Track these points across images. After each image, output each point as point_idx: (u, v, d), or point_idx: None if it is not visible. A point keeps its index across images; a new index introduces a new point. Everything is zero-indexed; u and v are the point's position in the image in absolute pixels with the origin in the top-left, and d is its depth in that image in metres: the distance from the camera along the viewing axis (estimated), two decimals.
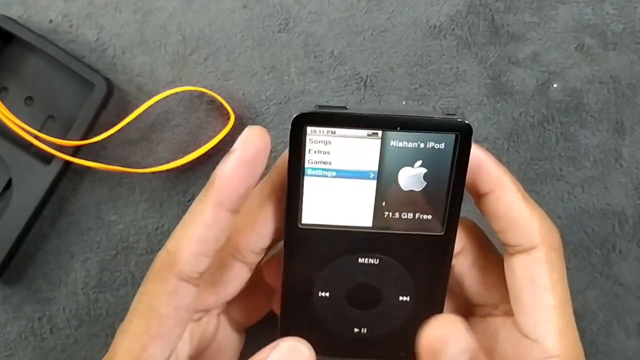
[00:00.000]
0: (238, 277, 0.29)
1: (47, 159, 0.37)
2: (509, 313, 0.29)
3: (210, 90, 0.38)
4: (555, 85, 0.40)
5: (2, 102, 0.37)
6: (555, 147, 0.40)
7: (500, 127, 0.40)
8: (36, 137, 0.37)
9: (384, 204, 0.27)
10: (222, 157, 0.38)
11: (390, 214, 0.28)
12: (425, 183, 0.27)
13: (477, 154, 0.27)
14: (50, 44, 0.37)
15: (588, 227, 0.40)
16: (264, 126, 0.39)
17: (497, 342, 0.29)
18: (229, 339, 0.32)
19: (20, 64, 0.38)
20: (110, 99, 0.38)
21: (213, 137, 0.38)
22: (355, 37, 0.39)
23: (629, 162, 0.40)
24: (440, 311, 0.29)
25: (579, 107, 0.40)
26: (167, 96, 0.38)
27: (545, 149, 0.40)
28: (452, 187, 0.27)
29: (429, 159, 0.27)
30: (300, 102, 0.39)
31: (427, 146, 0.26)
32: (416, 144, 0.26)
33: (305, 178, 0.27)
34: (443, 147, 0.26)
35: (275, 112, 0.39)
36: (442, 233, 0.28)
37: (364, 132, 0.26)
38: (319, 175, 0.27)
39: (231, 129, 0.38)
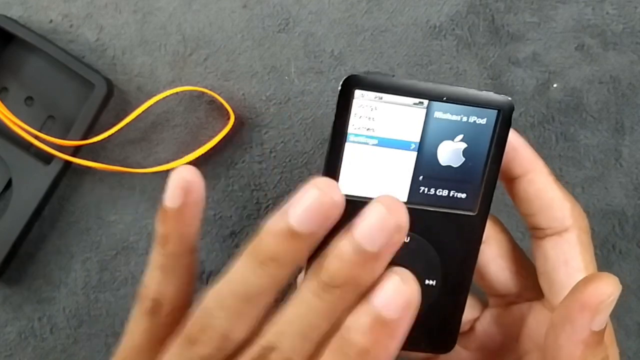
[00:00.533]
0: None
1: (47, 159, 0.37)
2: (534, 299, 0.29)
3: (210, 90, 0.38)
4: (555, 85, 0.40)
5: (2, 102, 0.37)
6: (555, 147, 0.40)
7: None
8: (36, 137, 0.37)
9: (421, 178, 0.27)
10: (222, 157, 0.38)
11: (426, 189, 0.27)
12: (464, 159, 0.27)
13: (511, 137, 0.28)
14: (51, 44, 0.37)
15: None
16: (264, 126, 0.39)
17: (525, 326, 0.30)
18: None
19: (20, 64, 0.38)
20: (110, 99, 0.38)
21: (213, 137, 0.38)
22: (355, 37, 0.39)
23: (629, 162, 0.40)
24: (466, 297, 0.29)
25: (579, 107, 0.40)
26: (167, 96, 0.38)
27: (545, 149, 0.40)
28: (489, 165, 0.27)
29: (470, 135, 0.27)
30: (300, 102, 0.39)
31: (469, 120, 0.26)
32: (459, 117, 0.26)
33: (347, 144, 0.26)
34: (485, 122, 0.27)
35: (275, 112, 0.39)
36: (475, 213, 0.28)
37: (410, 101, 0.26)
38: (361, 142, 0.26)
39: (231, 129, 0.38)
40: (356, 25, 0.39)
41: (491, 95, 0.26)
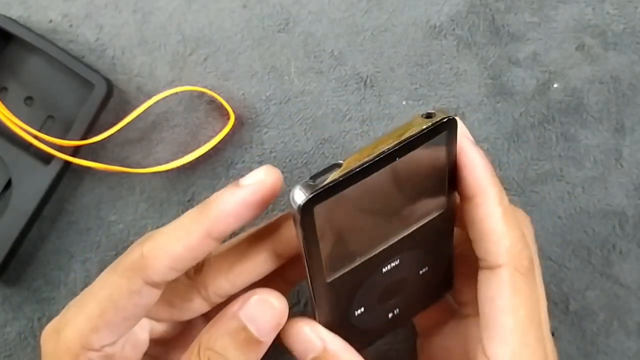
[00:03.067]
0: (196, 310, 0.29)
1: (47, 159, 0.37)
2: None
3: (210, 90, 0.38)
4: (555, 85, 0.40)
5: (2, 102, 0.37)
6: (556, 147, 0.40)
7: (501, 127, 0.39)
8: (36, 137, 0.37)
9: (397, 217, 0.27)
10: (222, 157, 0.38)
11: (403, 220, 0.27)
12: (423, 180, 0.27)
13: (471, 154, 0.26)
14: (50, 44, 0.37)
15: (588, 228, 0.40)
16: (264, 126, 0.39)
17: (465, 354, 0.29)
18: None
19: (20, 64, 0.38)
20: (110, 99, 0.38)
21: (213, 137, 0.38)
22: (355, 37, 0.39)
23: (630, 162, 0.40)
24: (452, 259, 0.31)
25: (579, 107, 0.40)
26: (167, 96, 0.38)
27: (546, 149, 0.40)
28: (448, 169, 0.27)
29: (426, 159, 0.26)
30: (300, 102, 0.39)
31: (424, 153, 0.25)
32: (413, 157, 0.25)
33: (321, 245, 0.25)
34: (433, 147, 0.26)
35: (275, 112, 0.39)
36: (445, 210, 0.28)
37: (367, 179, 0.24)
38: (333, 235, 0.25)
39: (231, 129, 0.38)
40: (356, 25, 0.39)
41: (435, 126, 0.25)
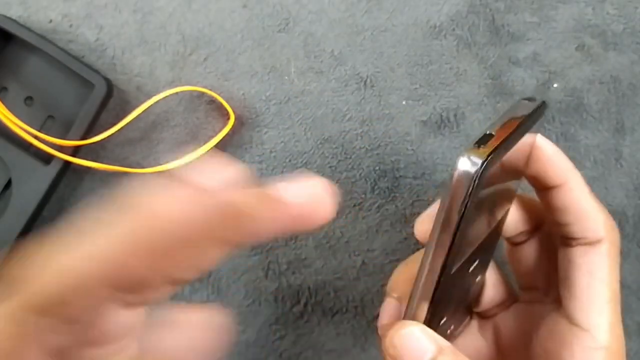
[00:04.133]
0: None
1: (47, 159, 0.37)
2: (557, 301, 0.29)
3: (210, 90, 0.38)
4: (555, 85, 0.40)
5: (2, 102, 0.37)
6: None
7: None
8: (36, 137, 0.37)
9: (490, 211, 0.27)
10: (222, 157, 0.38)
11: (492, 216, 0.28)
12: (514, 170, 0.27)
13: (548, 147, 0.28)
14: (50, 44, 0.37)
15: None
16: (264, 126, 0.39)
17: (538, 330, 0.30)
18: None
19: (20, 64, 0.38)
20: (110, 99, 0.38)
21: (213, 137, 0.38)
22: (355, 37, 0.39)
23: (630, 162, 0.40)
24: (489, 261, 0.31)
25: (579, 107, 0.40)
26: (167, 96, 0.38)
27: None
28: (525, 162, 0.28)
29: (520, 147, 0.26)
30: (300, 102, 0.39)
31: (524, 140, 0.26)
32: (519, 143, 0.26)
33: (462, 224, 0.24)
34: (532, 131, 0.26)
35: (275, 112, 0.39)
36: (508, 209, 0.29)
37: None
38: (470, 218, 0.24)
39: (231, 129, 0.38)
40: (356, 25, 0.39)
41: (537, 106, 0.26)
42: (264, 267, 0.40)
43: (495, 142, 0.23)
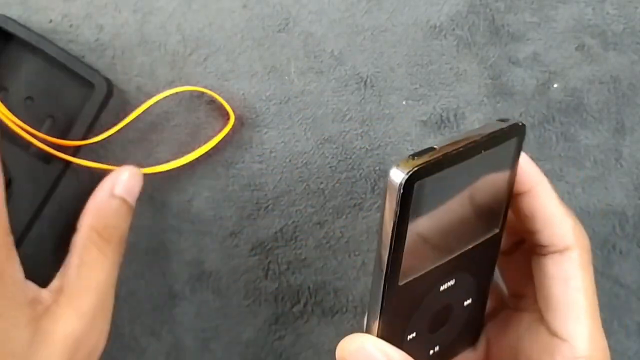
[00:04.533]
0: None
1: (47, 159, 0.37)
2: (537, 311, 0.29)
3: (210, 90, 0.38)
4: (555, 85, 0.40)
5: (2, 102, 0.37)
6: (556, 147, 0.40)
7: None
8: (36, 137, 0.37)
9: (464, 226, 0.27)
10: (222, 157, 0.38)
11: (467, 231, 0.28)
12: (493, 191, 0.27)
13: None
14: (50, 44, 0.37)
15: (588, 228, 0.40)
16: (264, 126, 0.39)
17: (524, 338, 0.30)
18: None
19: (20, 64, 0.38)
20: (110, 99, 0.38)
21: (213, 137, 0.38)
22: (355, 37, 0.39)
23: (629, 162, 0.40)
24: (488, 293, 0.31)
25: (579, 107, 0.40)
26: (167, 96, 0.38)
27: (546, 149, 0.40)
28: (510, 184, 0.28)
29: (495, 166, 0.27)
30: (300, 102, 0.39)
31: (495, 156, 0.26)
32: (490, 159, 0.26)
33: (408, 235, 0.25)
34: (506, 152, 0.27)
35: (275, 112, 0.39)
36: (499, 230, 0.29)
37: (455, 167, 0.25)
38: (418, 227, 0.25)
39: (231, 129, 0.38)
40: (356, 25, 0.39)
41: (511, 128, 0.26)
42: (264, 267, 0.40)
43: (432, 157, 0.24)
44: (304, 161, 0.39)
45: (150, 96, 0.38)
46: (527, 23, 0.39)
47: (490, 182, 0.27)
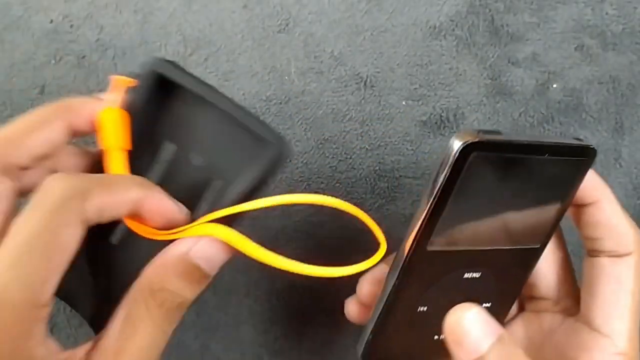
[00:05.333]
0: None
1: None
2: (567, 311, 0.31)
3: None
4: (554, 86, 0.40)
5: (161, 156, 0.33)
6: None
7: (500, 127, 0.40)
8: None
9: (505, 223, 0.28)
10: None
11: (506, 231, 0.28)
12: (544, 201, 0.28)
13: None
14: (222, 96, 0.32)
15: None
16: None
17: (552, 336, 0.31)
18: None
19: (183, 114, 0.34)
20: (285, 162, 0.33)
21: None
22: (355, 37, 0.39)
23: (629, 162, 0.40)
24: (508, 310, 0.31)
25: (578, 107, 0.40)
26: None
27: None
28: (563, 204, 0.28)
29: (555, 180, 0.27)
30: (300, 102, 0.39)
31: (559, 169, 0.27)
32: (551, 168, 0.27)
33: (448, 204, 0.26)
34: (570, 170, 0.28)
35: (275, 112, 0.39)
36: (538, 246, 0.29)
37: (514, 157, 0.26)
38: (461, 202, 0.26)
39: None
40: (356, 26, 0.39)
41: (582, 147, 0.27)
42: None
43: (495, 137, 0.24)
44: (304, 161, 0.39)
45: None
46: (526, 23, 0.39)
47: (545, 193, 0.28)
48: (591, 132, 0.40)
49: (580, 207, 0.30)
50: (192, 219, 0.31)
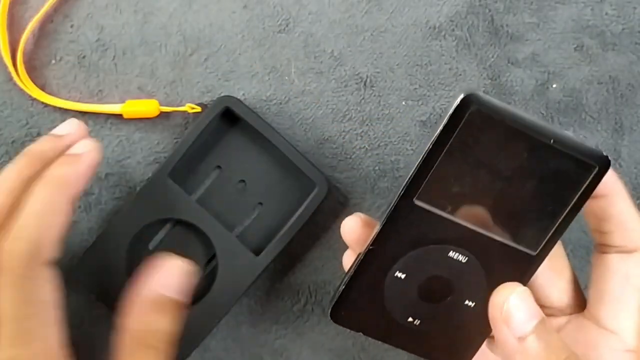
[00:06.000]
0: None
1: (258, 250, 0.37)
2: (571, 310, 0.30)
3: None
4: (554, 86, 0.40)
5: (214, 180, 0.37)
6: None
7: None
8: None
9: (499, 208, 0.27)
10: None
11: (500, 219, 0.27)
12: (546, 201, 0.27)
13: None
14: (276, 133, 0.36)
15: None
16: None
17: (560, 334, 0.30)
18: None
19: (241, 146, 0.38)
20: (327, 199, 0.37)
21: None
22: (355, 37, 0.39)
23: (628, 162, 0.40)
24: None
25: (578, 107, 0.40)
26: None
27: None
28: (567, 213, 0.27)
29: (560, 180, 0.27)
30: (300, 102, 0.39)
31: (565, 167, 0.26)
32: (556, 162, 0.26)
33: (442, 157, 0.25)
34: (577, 173, 0.27)
35: (275, 112, 0.39)
36: (534, 254, 0.28)
37: (517, 133, 0.25)
38: (456, 160, 0.26)
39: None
40: (356, 26, 0.39)
41: (592, 150, 0.26)
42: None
43: (500, 102, 0.24)
44: None
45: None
46: (526, 24, 0.40)
47: (546, 189, 0.27)
48: (591, 132, 0.40)
49: (592, 199, 0.29)
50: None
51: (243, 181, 0.38)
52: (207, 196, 0.37)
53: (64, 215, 0.29)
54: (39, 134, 0.38)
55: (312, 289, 0.40)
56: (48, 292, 0.28)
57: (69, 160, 0.31)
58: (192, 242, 0.37)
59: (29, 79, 0.38)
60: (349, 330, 0.34)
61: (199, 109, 0.37)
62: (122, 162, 0.39)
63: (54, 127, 0.34)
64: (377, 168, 0.40)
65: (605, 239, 0.30)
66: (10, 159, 0.38)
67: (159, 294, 0.30)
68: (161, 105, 0.38)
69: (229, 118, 0.37)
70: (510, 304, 0.27)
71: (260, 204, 0.38)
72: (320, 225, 0.39)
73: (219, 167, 0.38)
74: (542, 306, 0.31)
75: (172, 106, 0.38)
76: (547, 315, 0.31)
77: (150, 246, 0.37)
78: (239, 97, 0.39)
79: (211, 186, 0.37)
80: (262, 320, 0.40)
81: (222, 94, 0.38)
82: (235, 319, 0.40)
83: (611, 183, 0.29)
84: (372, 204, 0.40)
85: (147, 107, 0.37)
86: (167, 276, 0.31)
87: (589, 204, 0.29)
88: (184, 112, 0.37)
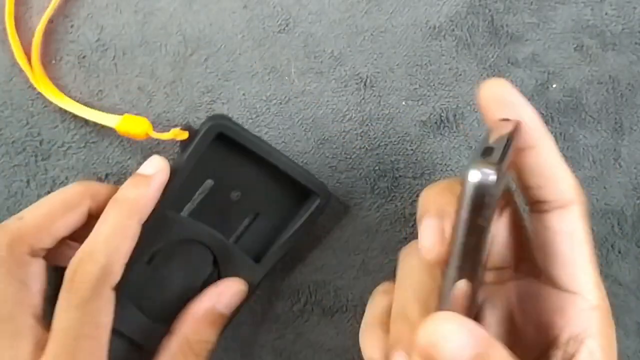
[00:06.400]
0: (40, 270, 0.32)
1: (258, 257, 0.37)
2: (530, 273, 0.29)
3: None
4: (554, 86, 0.40)
5: (208, 193, 0.37)
6: None
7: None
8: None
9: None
10: None
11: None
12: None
13: (524, 107, 0.28)
14: (273, 149, 0.36)
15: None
16: (264, 126, 0.39)
17: (523, 303, 0.29)
18: None
19: (237, 161, 0.36)
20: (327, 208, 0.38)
21: None
22: (355, 37, 0.39)
23: (628, 162, 0.40)
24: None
25: (578, 107, 0.40)
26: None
27: None
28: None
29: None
30: (300, 102, 0.39)
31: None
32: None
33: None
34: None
35: (275, 112, 0.39)
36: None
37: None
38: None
39: None
40: (356, 26, 0.39)
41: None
42: None
43: (498, 154, 0.24)
44: (304, 161, 0.39)
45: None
46: (526, 24, 0.40)
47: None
48: (591, 132, 0.40)
49: (519, 151, 0.28)
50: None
51: (238, 191, 0.37)
52: (202, 208, 0.36)
53: (134, 239, 0.31)
54: (39, 134, 0.38)
55: (312, 289, 0.40)
56: (106, 314, 0.30)
57: (142, 182, 0.32)
58: (194, 253, 0.36)
59: (48, 80, 0.37)
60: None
61: (186, 135, 0.34)
62: (122, 163, 0.39)
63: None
64: (377, 168, 0.40)
65: (537, 194, 0.28)
66: (11, 159, 0.38)
67: (214, 308, 0.34)
68: (160, 106, 0.38)
69: (220, 138, 0.35)
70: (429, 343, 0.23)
71: (257, 213, 0.38)
72: (321, 225, 0.39)
73: (212, 179, 0.37)
74: (496, 268, 0.31)
75: (170, 108, 0.38)
76: (505, 279, 0.30)
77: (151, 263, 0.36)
78: (239, 97, 0.39)
79: (205, 198, 0.36)
80: (262, 320, 0.40)
81: (222, 94, 0.38)
82: (235, 319, 0.40)
83: (539, 133, 0.27)
84: (372, 204, 0.40)
85: (138, 129, 0.36)
86: (224, 293, 0.35)
87: (517, 156, 0.28)
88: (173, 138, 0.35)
